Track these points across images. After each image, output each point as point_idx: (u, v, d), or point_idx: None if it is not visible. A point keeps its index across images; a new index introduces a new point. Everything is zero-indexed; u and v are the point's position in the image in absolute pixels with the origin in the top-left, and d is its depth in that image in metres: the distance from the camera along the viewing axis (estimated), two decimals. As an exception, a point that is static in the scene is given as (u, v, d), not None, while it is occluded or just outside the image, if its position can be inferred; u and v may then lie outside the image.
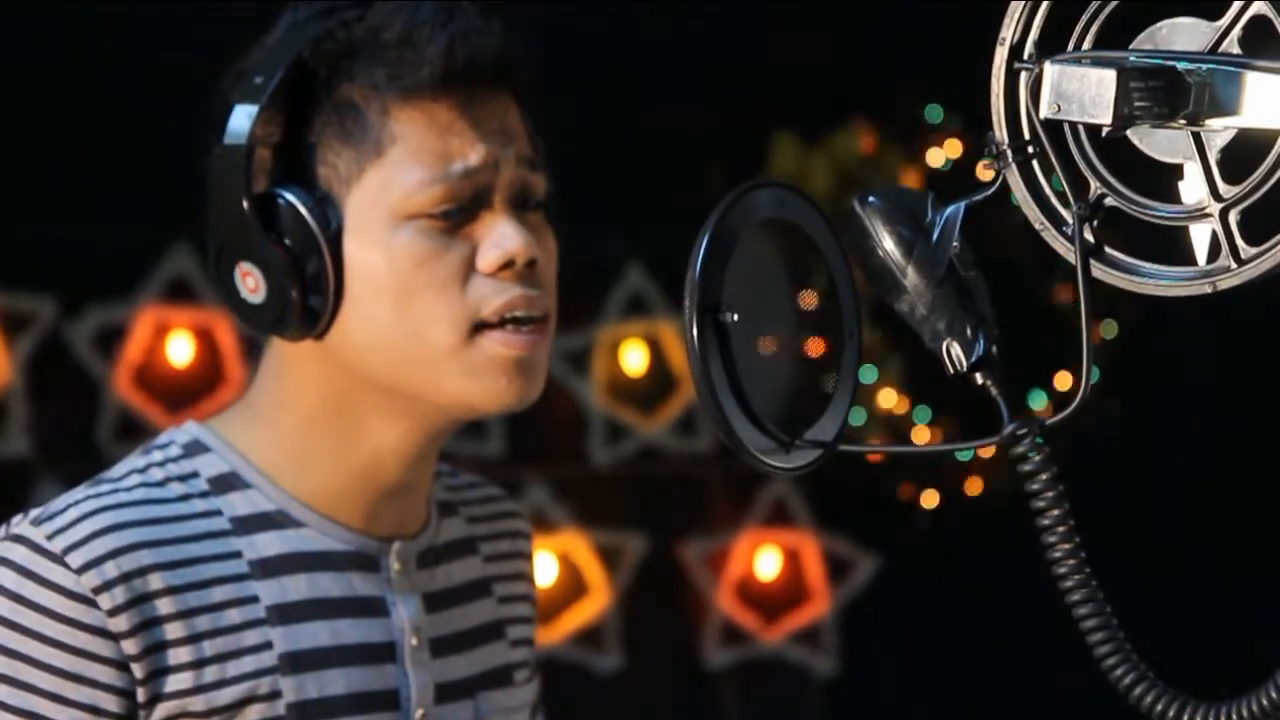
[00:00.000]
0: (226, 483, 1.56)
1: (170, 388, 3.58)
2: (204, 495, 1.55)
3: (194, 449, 1.57)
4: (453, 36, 1.52)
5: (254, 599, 1.53)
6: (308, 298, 1.52)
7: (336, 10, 1.55)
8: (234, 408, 1.61)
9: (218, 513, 1.55)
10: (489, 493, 1.74)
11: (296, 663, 1.53)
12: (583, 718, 3.66)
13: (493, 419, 3.64)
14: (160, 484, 1.55)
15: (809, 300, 1.18)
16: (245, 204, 1.51)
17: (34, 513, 1.51)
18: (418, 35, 1.52)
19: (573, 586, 3.79)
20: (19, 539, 1.49)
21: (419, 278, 1.51)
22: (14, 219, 3.46)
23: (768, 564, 3.91)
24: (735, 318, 1.13)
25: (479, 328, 1.52)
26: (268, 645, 1.53)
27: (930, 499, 3.87)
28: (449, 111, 1.53)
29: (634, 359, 3.87)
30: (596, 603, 3.81)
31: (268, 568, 1.54)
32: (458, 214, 1.52)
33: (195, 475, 1.56)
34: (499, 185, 1.54)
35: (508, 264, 1.52)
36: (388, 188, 1.52)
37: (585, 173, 3.28)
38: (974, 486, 3.84)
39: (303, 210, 1.51)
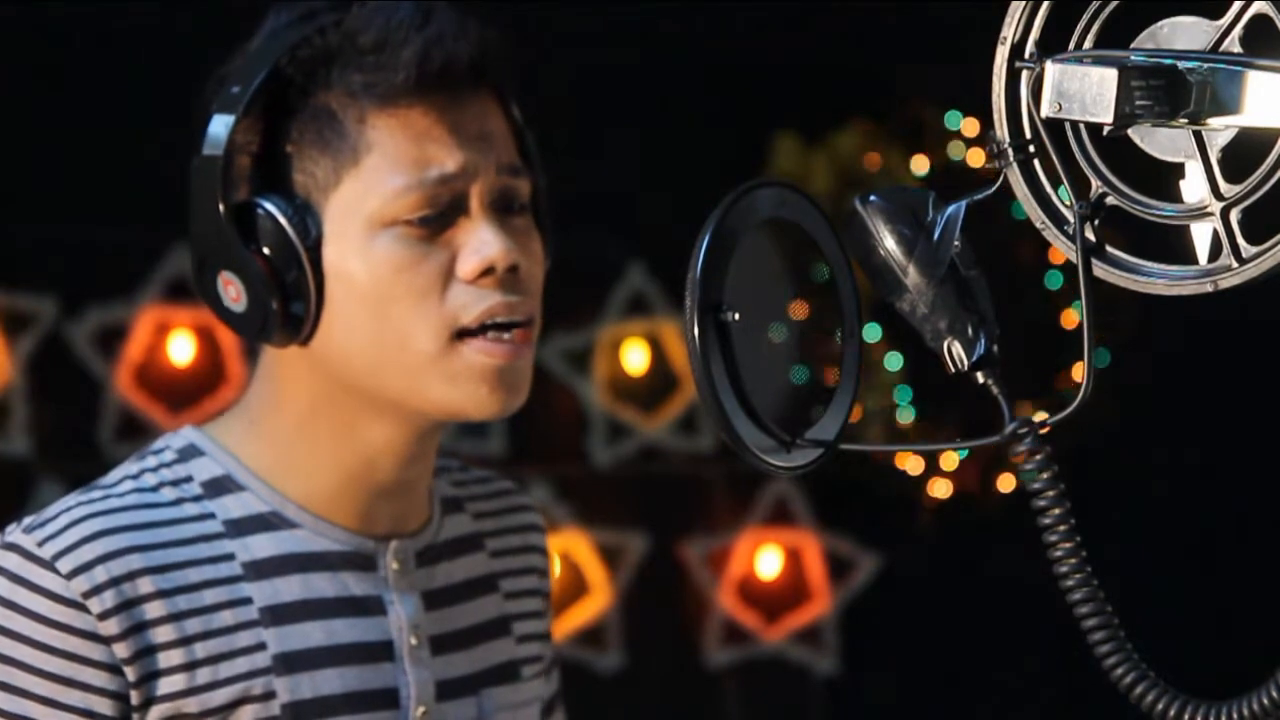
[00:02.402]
0: (220, 486, 1.56)
1: (171, 387, 3.58)
2: (197, 499, 1.55)
3: (188, 453, 1.58)
4: (428, 41, 1.51)
5: (247, 601, 1.53)
6: (289, 306, 1.52)
7: (316, 15, 1.54)
8: (230, 412, 1.62)
9: (211, 516, 1.55)
10: (498, 487, 1.74)
11: (290, 663, 1.53)
12: (583, 718, 3.65)
13: (493, 418, 3.63)
14: (153, 489, 1.55)
15: (810, 300, 1.18)
16: (223, 214, 1.51)
17: (27, 520, 1.52)
18: (392, 40, 1.51)
19: (574, 586, 3.79)
20: (11, 546, 1.50)
21: (398, 285, 1.51)
22: (14, 219, 3.46)
23: (769, 563, 3.91)
24: (736, 317, 1.13)
25: (460, 335, 1.52)
26: (261, 646, 1.53)
27: (942, 489, 3.87)
28: (426, 117, 1.52)
29: (635, 358, 3.87)
30: (597, 602, 3.81)
31: (260, 569, 1.54)
32: (435, 220, 1.52)
33: (189, 479, 1.56)
34: (478, 191, 1.53)
35: (487, 271, 1.52)
36: (365, 195, 1.51)
37: (586, 173, 3.28)
38: (1006, 483, 3.83)
39: (281, 219, 1.51)
